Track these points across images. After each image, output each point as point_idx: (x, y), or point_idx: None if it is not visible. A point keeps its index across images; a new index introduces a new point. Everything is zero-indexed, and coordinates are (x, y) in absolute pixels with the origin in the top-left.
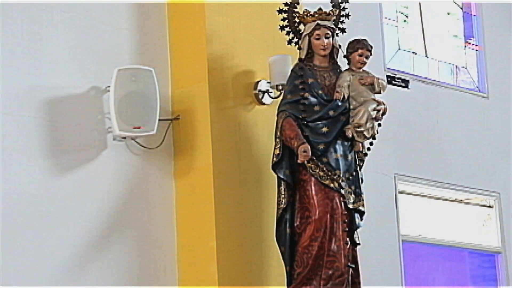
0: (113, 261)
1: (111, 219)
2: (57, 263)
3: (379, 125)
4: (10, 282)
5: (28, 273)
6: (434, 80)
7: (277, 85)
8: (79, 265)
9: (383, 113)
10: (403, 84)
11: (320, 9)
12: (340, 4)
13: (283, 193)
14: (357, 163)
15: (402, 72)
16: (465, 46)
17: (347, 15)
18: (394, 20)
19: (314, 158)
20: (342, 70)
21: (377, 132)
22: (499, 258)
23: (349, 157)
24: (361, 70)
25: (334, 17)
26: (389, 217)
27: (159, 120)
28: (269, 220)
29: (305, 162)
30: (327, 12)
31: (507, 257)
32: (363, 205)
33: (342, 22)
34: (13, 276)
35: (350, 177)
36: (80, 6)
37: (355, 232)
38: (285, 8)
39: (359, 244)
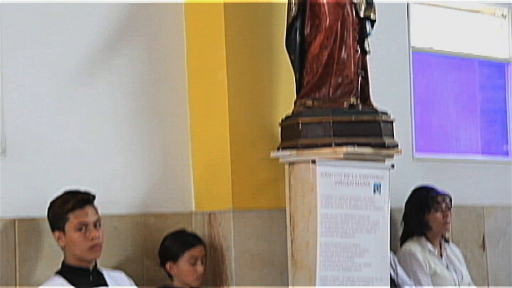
0: (123, 66)
1: (120, 22)
2: (66, 67)
3: None
4: (21, 89)
5: (38, 77)
6: None
7: None
8: (88, 69)
9: None
10: None
11: None
12: None
13: (293, 0)
14: None
15: None
16: None
17: None
18: None
19: None
20: None
21: None
22: (509, 67)
23: None
24: None
25: None
26: (400, 27)
27: None
28: (279, 28)
29: None
30: None
31: None
32: (374, 13)
33: None
34: (23, 81)
35: None
36: None
37: (366, 40)
38: None
39: (369, 52)
